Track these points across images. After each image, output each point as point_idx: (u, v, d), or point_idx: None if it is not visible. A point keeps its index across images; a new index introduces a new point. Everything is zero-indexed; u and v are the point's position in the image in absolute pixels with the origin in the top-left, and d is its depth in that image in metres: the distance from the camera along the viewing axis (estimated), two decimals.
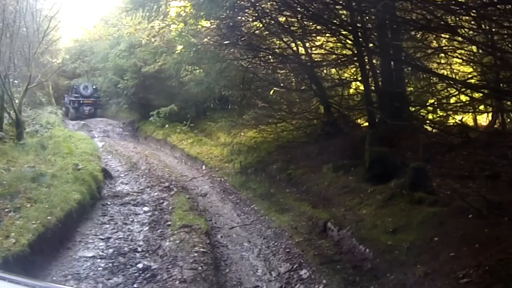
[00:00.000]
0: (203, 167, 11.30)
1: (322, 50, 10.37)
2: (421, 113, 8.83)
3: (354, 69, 10.11)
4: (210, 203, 8.15)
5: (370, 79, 8.47)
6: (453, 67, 8.44)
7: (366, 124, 9.25)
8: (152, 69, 13.75)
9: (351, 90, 10.82)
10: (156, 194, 7.92)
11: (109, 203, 7.36)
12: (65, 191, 6.18)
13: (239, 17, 9.22)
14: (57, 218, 5.13)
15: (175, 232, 5.44)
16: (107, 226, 6.17)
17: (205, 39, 9.74)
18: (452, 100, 7.29)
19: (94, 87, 18.79)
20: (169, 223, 6.03)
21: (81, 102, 19.49)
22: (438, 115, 8.31)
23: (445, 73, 8.04)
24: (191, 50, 9.64)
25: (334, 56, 10.02)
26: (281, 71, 11.55)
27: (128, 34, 14.28)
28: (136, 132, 17.25)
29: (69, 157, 8.86)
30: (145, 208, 7.03)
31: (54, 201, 5.65)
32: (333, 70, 10.87)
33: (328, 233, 5.59)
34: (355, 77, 10.22)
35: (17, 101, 11.04)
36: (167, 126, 14.60)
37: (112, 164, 11.02)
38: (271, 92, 11.18)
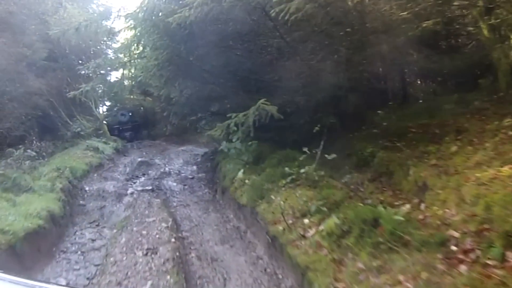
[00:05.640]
0: None
1: None
2: None
3: None
4: None
5: None
6: None
7: None
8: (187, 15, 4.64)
9: None
10: None
11: None
12: None
13: None
14: None
15: None
16: None
17: None
18: None
19: (130, 113, 18.01)
20: None
21: (120, 129, 17.22)
22: None
23: None
24: None
25: None
26: None
27: None
28: (216, 172, 8.41)
29: None
30: None
31: None
32: None
33: None
34: None
35: None
36: (246, 166, 5.29)
37: None
38: None
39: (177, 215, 5.99)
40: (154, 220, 5.31)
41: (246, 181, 5.30)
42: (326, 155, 4.45)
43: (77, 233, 5.96)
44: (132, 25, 6.39)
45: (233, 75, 6.06)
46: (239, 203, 5.24)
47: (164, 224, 5.00)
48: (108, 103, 19.99)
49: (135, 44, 7.75)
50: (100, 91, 15.52)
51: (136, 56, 7.45)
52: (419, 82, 10.37)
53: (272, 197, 4.48)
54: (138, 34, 6.77)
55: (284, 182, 4.48)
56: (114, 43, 12.95)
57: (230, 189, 5.89)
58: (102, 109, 15.00)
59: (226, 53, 5.77)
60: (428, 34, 8.01)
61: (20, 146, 9.04)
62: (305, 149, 4.40)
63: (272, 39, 5.62)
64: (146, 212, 5.89)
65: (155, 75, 6.35)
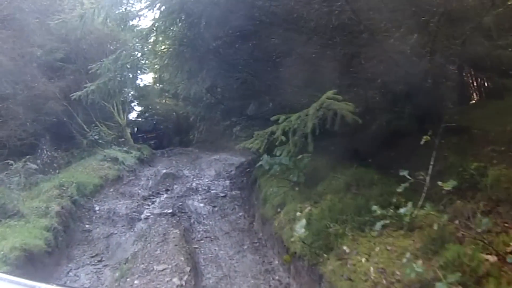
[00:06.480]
0: None
1: None
2: None
3: None
4: None
5: None
6: None
7: None
8: None
9: None
10: None
11: None
12: None
13: None
14: None
15: None
16: None
17: None
18: None
19: (154, 122, 18.05)
20: None
21: (145, 137, 16.49)
22: None
23: None
24: None
25: None
26: None
27: None
28: (253, 190, 6.72)
29: None
30: None
31: None
32: None
33: None
34: None
35: None
36: (296, 189, 3.71)
37: None
38: None
39: (199, 255, 4.38)
40: (164, 269, 3.70)
41: (298, 213, 3.57)
42: (440, 183, 2.64)
43: (70, 273, 4.53)
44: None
45: (274, 62, 4.38)
46: (288, 247, 3.52)
47: (176, 280, 3.37)
48: (138, 108, 19.19)
49: (154, 33, 6.29)
50: (125, 95, 14.44)
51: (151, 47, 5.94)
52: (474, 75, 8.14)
53: (346, 248, 2.73)
54: (156, 18, 5.29)
55: (365, 222, 2.72)
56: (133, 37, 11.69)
57: (274, 221, 4.19)
58: (126, 115, 13.76)
59: (265, 32, 4.10)
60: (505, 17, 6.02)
61: (29, 157, 7.85)
62: (404, 173, 2.59)
63: (330, 7, 3.88)
64: (158, 251, 4.31)
65: (167, 66, 4.76)
